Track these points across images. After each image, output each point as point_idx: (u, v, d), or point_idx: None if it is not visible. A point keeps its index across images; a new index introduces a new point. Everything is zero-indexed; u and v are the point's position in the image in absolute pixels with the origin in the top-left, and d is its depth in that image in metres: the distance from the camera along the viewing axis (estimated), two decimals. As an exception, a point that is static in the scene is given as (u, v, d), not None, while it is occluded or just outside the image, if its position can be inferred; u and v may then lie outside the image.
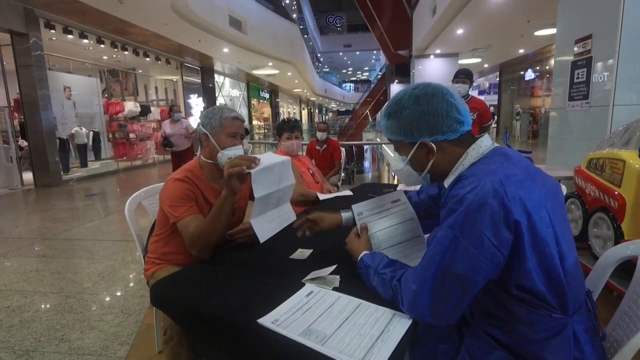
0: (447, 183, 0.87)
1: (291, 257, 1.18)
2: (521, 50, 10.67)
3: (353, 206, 1.11)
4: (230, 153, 1.32)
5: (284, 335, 0.74)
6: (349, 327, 0.76)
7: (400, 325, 0.77)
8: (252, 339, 0.79)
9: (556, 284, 0.74)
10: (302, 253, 1.20)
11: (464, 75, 3.11)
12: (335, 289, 0.93)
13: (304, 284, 0.96)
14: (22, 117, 6.94)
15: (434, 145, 0.83)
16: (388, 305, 0.84)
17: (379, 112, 21.01)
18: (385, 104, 0.90)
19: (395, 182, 4.20)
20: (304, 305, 0.85)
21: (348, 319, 0.79)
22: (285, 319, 0.80)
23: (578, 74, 3.33)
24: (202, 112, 1.41)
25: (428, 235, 0.86)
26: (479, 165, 0.81)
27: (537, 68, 11.66)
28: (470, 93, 3.23)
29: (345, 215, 1.18)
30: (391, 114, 0.87)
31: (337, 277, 0.98)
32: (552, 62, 4.09)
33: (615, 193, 2.18)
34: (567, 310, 0.76)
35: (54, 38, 7.14)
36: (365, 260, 0.94)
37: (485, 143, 0.84)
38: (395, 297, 0.83)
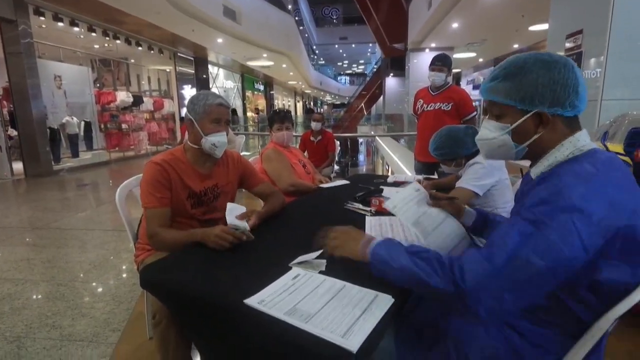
0: (535, 173, 0.82)
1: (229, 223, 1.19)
2: (516, 45, 10.71)
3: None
4: (214, 139, 1.35)
5: (270, 315, 0.77)
6: (333, 307, 0.79)
7: (382, 304, 0.80)
8: (239, 318, 0.82)
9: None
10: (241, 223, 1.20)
11: (440, 63, 2.66)
12: (321, 272, 0.96)
13: (290, 268, 0.98)
14: (11, 106, 6.84)
15: (550, 118, 0.76)
16: (371, 286, 0.86)
17: (374, 106, 21.01)
18: (497, 67, 0.82)
19: (389, 174, 4.22)
20: (290, 287, 0.87)
21: (332, 299, 0.82)
22: (272, 299, 0.82)
23: (568, 68, 3.37)
24: (189, 99, 1.43)
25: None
26: (577, 165, 0.73)
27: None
28: (449, 81, 2.80)
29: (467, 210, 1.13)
30: (510, 75, 0.78)
31: (324, 261, 1.00)
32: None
33: (600, 185, 2.22)
34: None
35: (43, 25, 7.01)
36: (381, 249, 0.83)
37: (585, 139, 0.77)
38: (442, 270, 0.73)
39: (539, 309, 0.78)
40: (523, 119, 0.78)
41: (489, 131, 0.85)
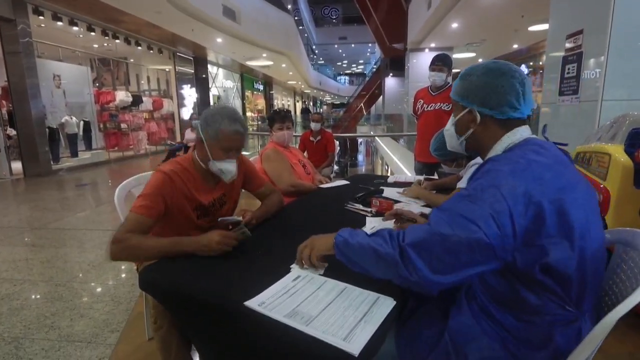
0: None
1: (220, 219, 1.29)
2: (515, 46, 10.71)
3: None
4: (222, 166, 1.26)
5: (270, 317, 0.76)
6: (334, 309, 0.78)
7: (383, 307, 0.79)
8: (239, 320, 0.81)
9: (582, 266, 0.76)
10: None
11: (440, 63, 2.67)
12: (322, 274, 0.95)
13: (291, 270, 0.97)
14: (10, 105, 6.82)
15: (478, 115, 0.88)
16: (373, 288, 0.85)
17: (373, 106, 21.01)
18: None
19: (389, 174, 4.22)
20: (291, 289, 0.87)
21: (333, 302, 0.81)
22: (272, 301, 0.81)
23: (568, 69, 3.36)
24: (204, 111, 1.30)
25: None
26: (510, 152, 0.84)
27: (531, 64, 11.71)
28: (450, 81, 2.77)
29: None
30: (462, 75, 0.93)
31: (325, 263, 1.00)
32: (545, 57, 4.14)
33: (601, 186, 2.22)
34: (581, 306, 0.78)
35: (42, 25, 6.98)
36: (344, 232, 0.89)
37: (522, 133, 0.86)
38: (390, 239, 0.80)
39: (511, 301, 0.80)
40: (461, 114, 0.92)
41: (448, 124, 1.00)
